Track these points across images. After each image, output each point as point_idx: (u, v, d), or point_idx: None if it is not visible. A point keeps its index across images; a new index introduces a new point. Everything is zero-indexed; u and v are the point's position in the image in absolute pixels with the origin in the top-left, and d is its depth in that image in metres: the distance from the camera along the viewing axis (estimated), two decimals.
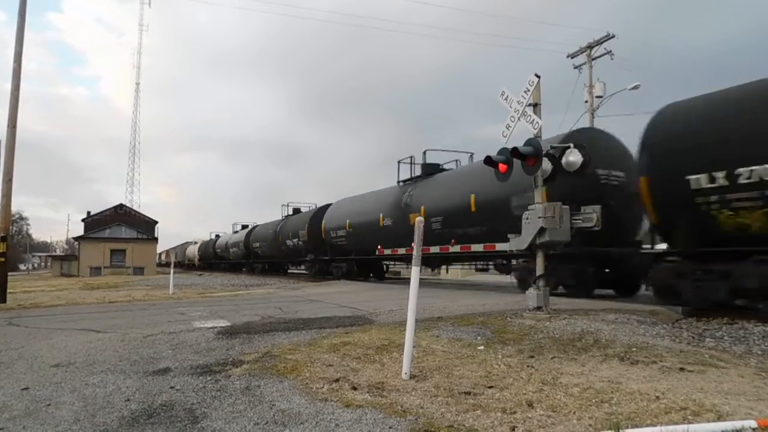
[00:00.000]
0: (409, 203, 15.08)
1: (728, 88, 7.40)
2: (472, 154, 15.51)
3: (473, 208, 12.09)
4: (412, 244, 4.04)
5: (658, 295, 8.28)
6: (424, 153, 16.10)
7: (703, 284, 7.26)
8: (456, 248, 12.51)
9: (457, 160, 15.71)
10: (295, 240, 24.28)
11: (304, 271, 28.03)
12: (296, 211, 27.18)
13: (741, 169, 6.56)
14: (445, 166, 15.85)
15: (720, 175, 6.77)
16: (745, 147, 6.60)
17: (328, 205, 22.45)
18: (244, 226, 36.57)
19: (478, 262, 15.26)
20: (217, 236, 43.84)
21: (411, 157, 16.37)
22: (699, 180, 7.00)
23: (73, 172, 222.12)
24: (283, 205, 27.83)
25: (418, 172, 16.06)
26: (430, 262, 16.21)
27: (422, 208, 13.86)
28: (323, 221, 21.16)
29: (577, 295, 9.61)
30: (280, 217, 27.75)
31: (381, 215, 16.57)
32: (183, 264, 52.67)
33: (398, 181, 16.67)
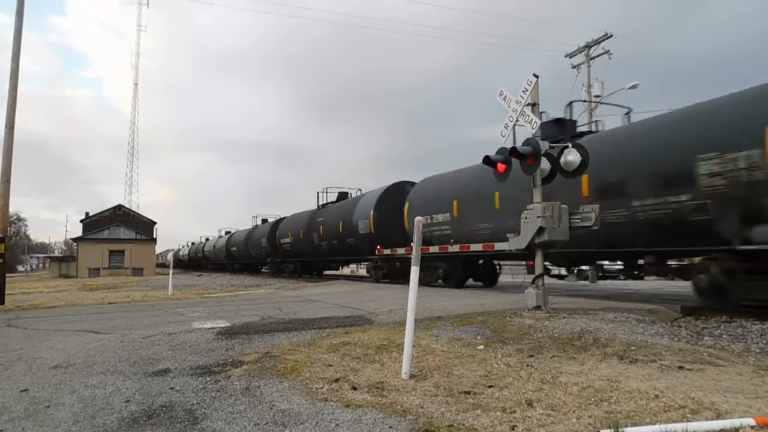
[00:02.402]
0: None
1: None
2: (629, 112, 10.11)
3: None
4: (412, 244, 4.04)
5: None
6: (570, 105, 10.65)
7: None
8: (455, 248, 12.47)
9: (596, 121, 10.68)
10: (344, 232, 18.36)
11: (349, 275, 23.41)
12: (341, 196, 21.10)
13: None
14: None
15: None
16: None
17: (404, 183, 16.62)
18: (264, 220, 32.79)
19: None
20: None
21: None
22: None
23: (73, 173, 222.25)
24: (319, 192, 21.94)
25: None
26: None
27: (586, 176, 9.03)
28: (406, 203, 15.08)
29: None
30: (316, 206, 22.25)
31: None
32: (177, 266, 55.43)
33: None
